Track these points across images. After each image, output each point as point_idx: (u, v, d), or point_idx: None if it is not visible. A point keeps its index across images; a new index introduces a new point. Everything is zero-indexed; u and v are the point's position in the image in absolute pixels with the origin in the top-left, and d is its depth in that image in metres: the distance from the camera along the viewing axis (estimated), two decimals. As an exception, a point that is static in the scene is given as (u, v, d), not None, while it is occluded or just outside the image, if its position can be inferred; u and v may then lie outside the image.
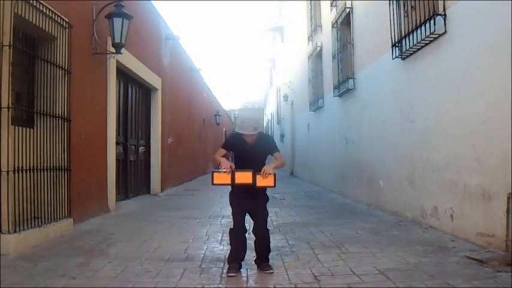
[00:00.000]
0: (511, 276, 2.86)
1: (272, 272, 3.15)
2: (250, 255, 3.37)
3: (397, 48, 5.44)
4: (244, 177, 3.10)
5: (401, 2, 5.41)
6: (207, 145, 18.73)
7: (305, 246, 3.98)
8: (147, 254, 3.74)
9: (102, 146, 6.21)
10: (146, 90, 9.23)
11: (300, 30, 13.44)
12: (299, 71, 13.88)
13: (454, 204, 4.21)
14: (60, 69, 4.74)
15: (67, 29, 4.85)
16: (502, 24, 3.47)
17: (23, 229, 3.90)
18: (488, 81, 3.73)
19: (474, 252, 3.52)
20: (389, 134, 5.95)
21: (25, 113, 4.53)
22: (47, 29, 4.49)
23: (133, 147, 8.42)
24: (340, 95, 8.41)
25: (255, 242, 3.30)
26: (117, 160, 7.02)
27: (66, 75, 4.80)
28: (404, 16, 5.30)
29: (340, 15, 8.24)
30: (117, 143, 7.10)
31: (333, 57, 8.84)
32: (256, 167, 3.13)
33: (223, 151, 3.33)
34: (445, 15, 4.34)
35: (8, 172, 3.77)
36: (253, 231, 3.31)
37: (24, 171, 4.01)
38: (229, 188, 3.33)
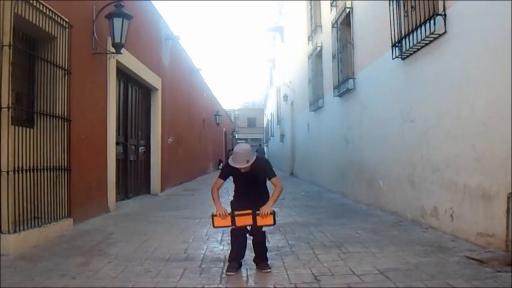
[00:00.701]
0: (511, 276, 2.86)
1: (270, 271, 3.17)
2: (250, 255, 3.38)
3: (397, 48, 5.44)
4: (244, 220, 3.20)
5: (401, 2, 5.41)
6: (207, 145, 18.74)
7: (305, 246, 3.97)
8: (147, 254, 3.74)
9: (102, 146, 6.22)
10: (146, 90, 9.23)
11: (300, 30, 13.43)
12: (299, 71, 13.88)
13: (454, 204, 4.21)
14: (60, 69, 4.74)
15: (67, 29, 4.85)
16: (502, 24, 3.47)
17: (23, 229, 3.90)
18: (488, 81, 3.72)
19: (474, 252, 3.52)
20: (390, 134, 5.95)
21: (25, 113, 4.53)
22: (47, 29, 4.49)
23: (133, 147, 8.42)
24: (340, 95, 8.41)
25: (253, 242, 3.36)
26: (117, 160, 7.03)
27: (66, 75, 4.80)
28: (404, 16, 5.30)
29: (340, 15, 8.24)
30: (117, 143, 7.10)
31: (333, 57, 8.84)
32: (257, 190, 3.32)
33: (221, 181, 3.40)
34: (445, 15, 4.34)
35: (8, 172, 3.77)
36: (250, 232, 3.35)
37: (24, 171, 4.01)
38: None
